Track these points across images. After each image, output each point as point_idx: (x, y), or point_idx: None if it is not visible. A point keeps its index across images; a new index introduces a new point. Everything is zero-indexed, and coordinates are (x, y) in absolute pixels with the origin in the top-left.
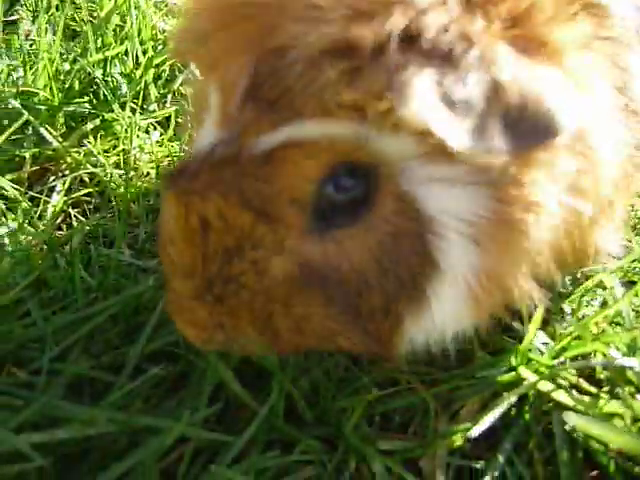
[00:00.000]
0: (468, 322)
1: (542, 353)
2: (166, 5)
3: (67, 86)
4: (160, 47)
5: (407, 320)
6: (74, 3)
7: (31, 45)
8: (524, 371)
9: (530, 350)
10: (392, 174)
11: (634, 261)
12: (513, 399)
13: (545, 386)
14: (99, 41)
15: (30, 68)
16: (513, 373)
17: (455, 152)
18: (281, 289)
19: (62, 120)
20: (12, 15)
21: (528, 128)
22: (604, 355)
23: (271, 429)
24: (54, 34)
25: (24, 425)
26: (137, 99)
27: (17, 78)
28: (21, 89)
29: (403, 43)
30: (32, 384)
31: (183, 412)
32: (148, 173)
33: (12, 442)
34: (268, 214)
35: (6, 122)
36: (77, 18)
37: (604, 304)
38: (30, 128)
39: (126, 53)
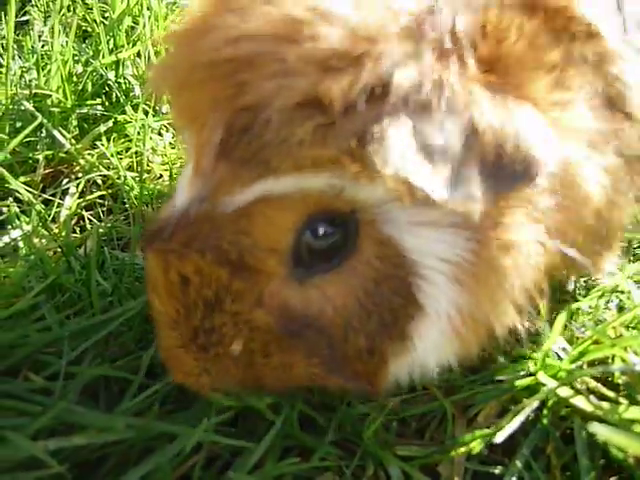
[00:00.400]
0: (451, 357)
1: (560, 358)
2: (178, 6)
3: (80, 88)
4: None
5: (391, 359)
6: (85, 4)
7: (43, 46)
8: (543, 377)
9: (548, 355)
10: (371, 220)
11: None
12: (534, 404)
13: (564, 391)
14: (111, 42)
15: (43, 69)
16: (531, 378)
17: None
18: (261, 339)
19: (75, 122)
20: (24, 15)
21: (506, 173)
22: (622, 360)
23: (287, 436)
24: (67, 36)
25: (41, 431)
26: (149, 101)
27: (30, 80)
28: (34, 91)
29: (374, 96)
30: (48, 389)
31: (198, 418)
32: (161, 175)
33: (29, 449)
34: (246, 267)
35: (19, 124)
36: (89, 19)
37: (621, 308)
38: (43, 130)
39: (138, 54)
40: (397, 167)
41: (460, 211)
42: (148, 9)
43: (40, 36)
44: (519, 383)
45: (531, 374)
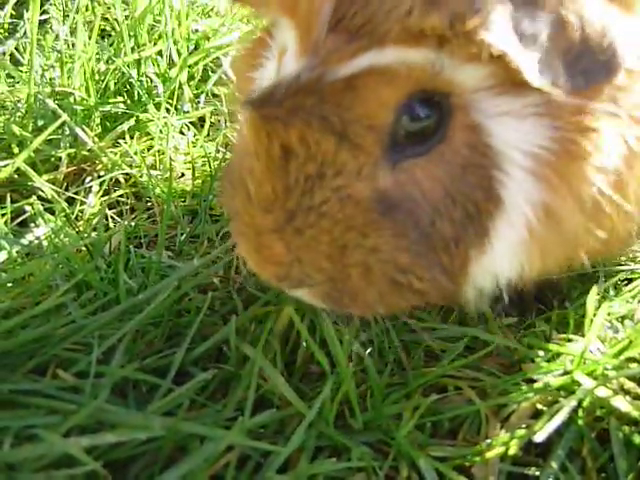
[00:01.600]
0: (527, 266)
1: (595, 355)
2: (199, 5)
3: (102, 86)
4: (193, 47)
5: (472, 255)
6: (105, 3)
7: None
8: (580, 376)
9: (585, 354)
10: (464, 105)
11: None
12: (572, 404)
13: (602, 392)
14: (133, 40)
15: (65, 67)
16: (567, 377)
17: (525, 83)
18: (359, 217)
19: (97, 120)
20: (42, 14)
21: (589, 65)
22: None
23: (320, 435)
24: (90, 32)
25: (71, 430)
26: (171, 99)
27: (51, 78)
28: (57, 89)
29: None
30: (77, 388)
31: (230, 417)
32: (183, 174)
33: (63, 447)
34: (349, 139)
35: (41, 122)
36: (109, 17)
37: None
38: (66, 128)
39: (160, 53)
40: (497, 41)
41: (546, 97)
42: (170, 7)
43: (58, 35)
44: (554, 382)
45: (566, 372)
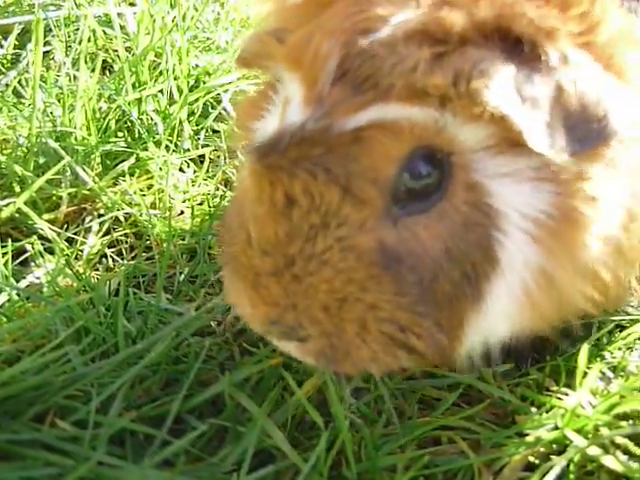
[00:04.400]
0: (522, 326)
1: (584, 408)
2: (200, 40)
3: (104, 125)
4: (193, 82)
5: (468, 315)
6: (106, 34)
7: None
8: (570, 433)
9: (575, 410)
10: (465, 164)
11: None
12: (563, 463)
13: (592, 450)
14: (134, 77)
15: (67, 103)
16: (558, 432)
17: (526, 146)
18: (361, 270)
19: (98, 159)
20: (45, 45)
21: (584, 133)
22: None
23: None
24: (92, 71)
25: None
26: (171, 136)
27: (52, 115)
28: (59, 129)
29: (486, 36)
30: (77, 437)
31: (227, 471)
32: (182, 212)
33: None
34: (353, 192)
35: (42, 160)
36: (110, 49)
37: None
38: (67, 168)
39: (160, 90)
40: (499, 103)
41: (546, 161)
42: (171, 44)
43: (61, 66)
44: (546, 437)
45: (557, 427)
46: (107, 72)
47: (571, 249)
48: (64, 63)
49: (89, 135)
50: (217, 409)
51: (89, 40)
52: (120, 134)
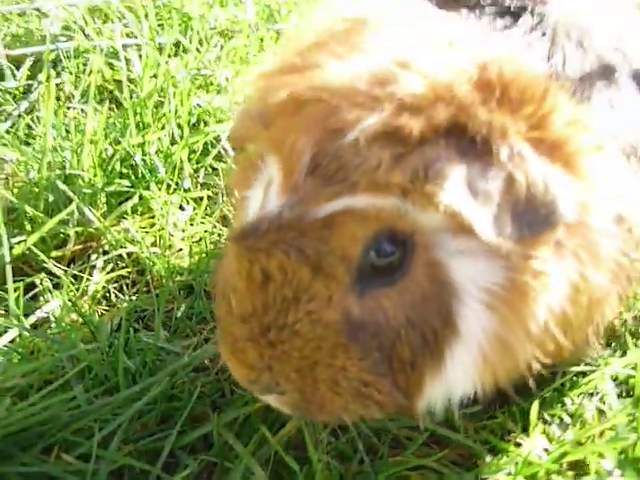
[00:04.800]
0: (477, 384)
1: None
2: (199, 77)
3: (109, 167)
4: (195, 120)
5: (427, 377)
6: (112, 68)
7: (74, 120)
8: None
9: (529, 459)
10: (425, 243)
11: (626, 366)
12: None
13: None
14: (138, 117)
15: (73, 149)
16: (512, 478)
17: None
18: (329, 339)
19: (103, 199)
20: (56, 77)
21: (533, 219)
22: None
23: None
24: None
25: None
26: (172, 175)
27: (61, 151)
28: (68, 172)
29: (442, 137)
30: (81, 471)
31: None
32: (181, 249)
33: None
34: (323, 270)
35: (52, 198)
36: (116, 80)
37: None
38: (75, 208)
39: (162, 128)
40: (452, 201)
41: (495, 244)
42: (173, 85)
43: (70, 97)
44: None
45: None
46: (114, 105)
47: (522, 317)
48: (73, 96)
49: (95, 177)
50: (207, 443)
51: (98, 71)
52: (125, 173)
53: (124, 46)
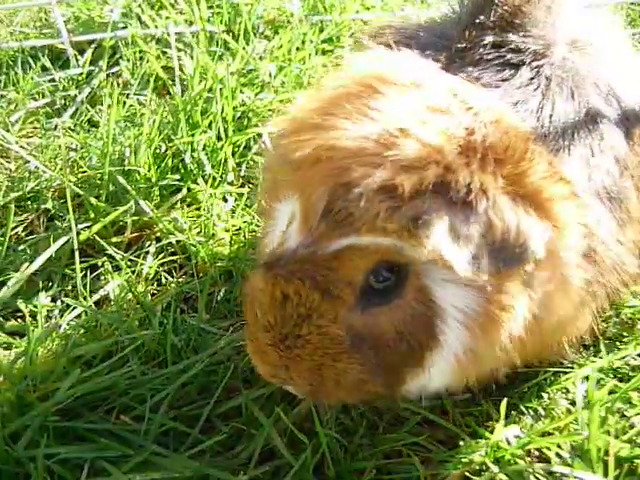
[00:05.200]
0: (450, 383)
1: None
2: (247, 73)
3: (162, 164)
4: (239, 115)
5: (409, 375)
6: (165, 54)
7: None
8: (489, 462)
9: (498, 444)
10: (417, 272)
11: (601, 370)
12: None
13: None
14: (188, 117)
15: (131, 147)
16: (483, 458)
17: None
18: (334, 347)
19: (157, 192)
20: (113, 66)
21: (508, 256)
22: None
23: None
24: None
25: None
26: (217, 169)
27: (121, 147)
28: (127, 168)
29: (431, 193)
30: (135, 430)
31: (238, 465)
32: (223, 238)
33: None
34: (331, 293)
35: (112, 188)
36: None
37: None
38: (132, 199)
39: (210, 126)
40: (435, 245)
41: (471, 278)
42: (222, 83)
43: (128, 85)
44: (477, 459)
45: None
46: (168, 96)
47: (491, 337)
48: (131, 84)
49: (149, 172)
50: (238, 412)
51: (150, 60)
52: (175, 170)
53: (178, 34)
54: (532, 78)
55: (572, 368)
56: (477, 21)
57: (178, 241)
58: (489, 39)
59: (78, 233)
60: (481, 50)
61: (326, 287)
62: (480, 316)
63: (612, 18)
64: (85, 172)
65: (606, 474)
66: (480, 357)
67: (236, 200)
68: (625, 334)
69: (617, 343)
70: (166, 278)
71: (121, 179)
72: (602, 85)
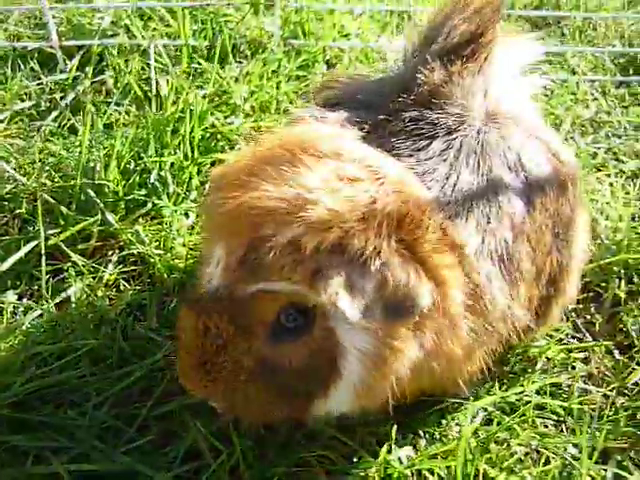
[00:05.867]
0: (350, 410)
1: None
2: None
3: (130, 180)
4: (208, 138)
5: (315, 402)
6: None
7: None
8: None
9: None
10: (322, 313)
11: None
12: None
13: None
14: (160, 136)
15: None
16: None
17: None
18: (245, 376)
19: (123, 205)
20: (98, 74)
21: (397, 308)
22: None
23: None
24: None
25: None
26: (182, 186)
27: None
28: (97, 182)
29: (330, 251)
30: (79, 425)
31: (164, 463)
32: (180, 252)
33: (60, 469)
34: (245, 329)
35: (83, 197)
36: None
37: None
38: (99, 211)
39: (179, 144)
40: (332, 296)
41: (362, 325)
42: (193, 106)
43: (109, 102)
44: (371, 475)
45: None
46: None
47: (382, 372)
48: (113, 92)
49: (117, 186)
50: (173, 415)
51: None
52: (142, 186)
53: (164, 46)
54: (443, 150)
55: (473, 400)
56: (400, 99)
57: (139, 252)
58: (409, 115)
59: (47, 238)
60: (401, 124)
61: (241, 323)
62: (375, 356)
63: (533, 89)
64: (61, 178)
65: None
66: (374, 389)
67: (197, 217)
68: (529, 370)
69: (521, 378)
70: (124, 286)
71: (91, 192)
72: (510, 156)
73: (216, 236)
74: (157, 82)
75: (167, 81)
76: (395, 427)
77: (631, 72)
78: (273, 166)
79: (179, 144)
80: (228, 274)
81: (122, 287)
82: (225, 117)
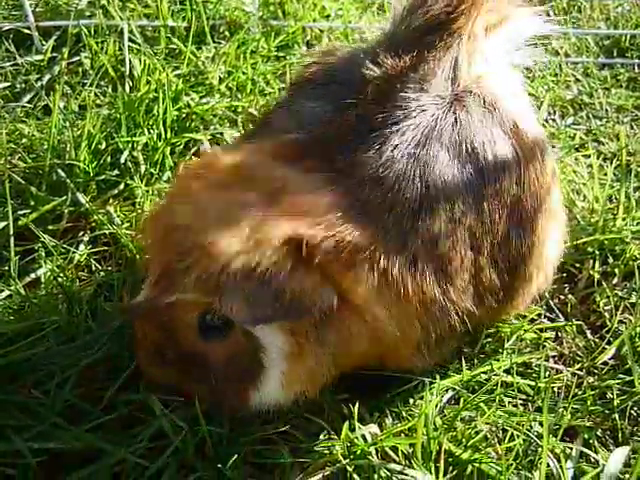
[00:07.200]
0: (281, 400)
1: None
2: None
3: (101, 159)
4: (181, 117)
5: (250, 393)
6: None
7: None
8: (341, 457)
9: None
10: None
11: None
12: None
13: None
14: (132, 116)
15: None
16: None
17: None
18: (182, 370)
19: (94, 186)
20: (74, 55)
21: (296, 311)
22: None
23: (184, 459)
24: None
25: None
26: (154, 167)
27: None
28: (67, 162)
29: (234, 271)
30: (43, 403)
31: (128, 440)
32: None
33: (22, 446)
34: (171, 331)
35: (54, 178)
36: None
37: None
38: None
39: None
40: (231, 308)
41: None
42: (167, 85)
43: (84, 83)
44: (335, 451)
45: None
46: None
47: (299, 364)
48: (89, 74)
49: (88, 167)
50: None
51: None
52: (114, 167)
53: (140, 27)
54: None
55: (440, 379)
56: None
57: (111, 233)
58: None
59: (17, 219)
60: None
61: (169, 327)
62: (289, 351)
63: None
64: (33, 160)
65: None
66: (293, 381)
67: None
68: (500, 350)
69: (491, 358)
70: (95, 266)
71: (61, 172)
72: (463, 146)
73: (148, 254)
74: (130, 62)
75: (140, 61)
76: (358, 405)
77: (615, 54)
78: (188, 194)
79: (153, 124)
80: (153, 287)
81: (93, 268)
82: (200, 97)
